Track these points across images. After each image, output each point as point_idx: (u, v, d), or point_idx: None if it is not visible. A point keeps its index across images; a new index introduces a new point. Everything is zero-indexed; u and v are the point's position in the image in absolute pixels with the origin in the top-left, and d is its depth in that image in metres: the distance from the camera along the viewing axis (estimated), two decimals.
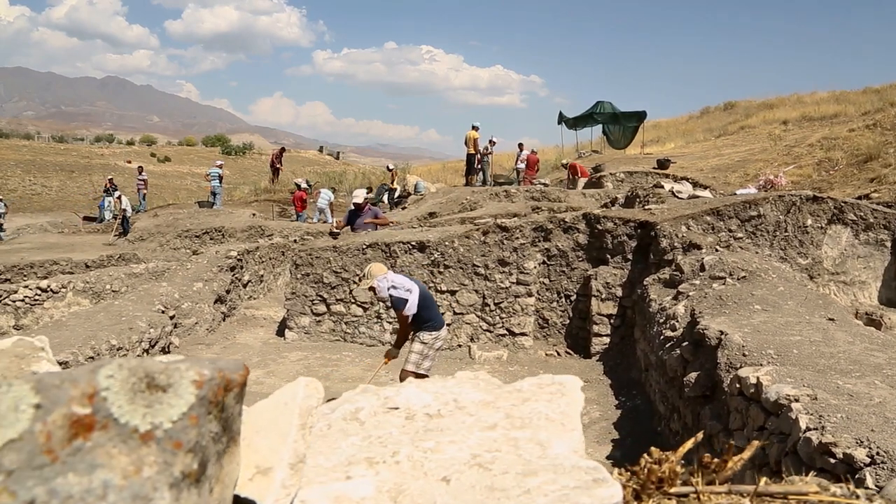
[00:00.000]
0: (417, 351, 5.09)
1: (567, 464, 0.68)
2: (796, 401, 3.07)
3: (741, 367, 3.89)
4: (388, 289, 4.87)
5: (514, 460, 0.72)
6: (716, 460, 0.83)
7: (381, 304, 7.65)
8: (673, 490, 0.77)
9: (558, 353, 7.63)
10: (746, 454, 0.87)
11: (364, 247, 7.59)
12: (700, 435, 1.04)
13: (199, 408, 0.62)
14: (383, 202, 20.01)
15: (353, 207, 8.85)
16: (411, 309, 4.92)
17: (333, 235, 9.65)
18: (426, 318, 5.06)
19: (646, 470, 0.76)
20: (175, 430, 0.60)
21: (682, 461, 0.81)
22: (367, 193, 19.58)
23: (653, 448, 0.81)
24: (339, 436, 0.88)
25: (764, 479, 0.81)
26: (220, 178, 20.37)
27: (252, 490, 0.73)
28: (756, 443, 0.92)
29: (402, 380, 4.73)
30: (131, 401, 0.59)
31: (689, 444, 0.91)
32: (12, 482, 0.52)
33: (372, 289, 4.97)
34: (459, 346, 7.55)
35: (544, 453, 0.72)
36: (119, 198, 18.65)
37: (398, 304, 4.90)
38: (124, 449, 0.57)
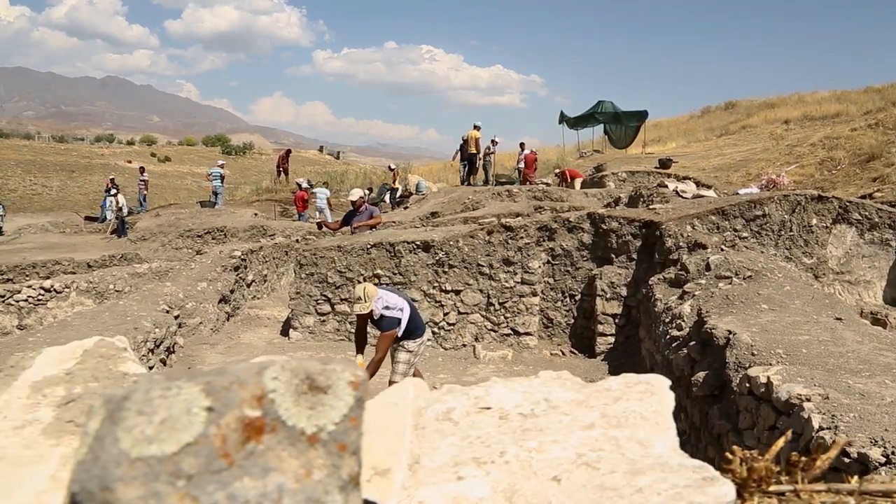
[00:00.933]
0: (404, 360, 5.03)
1: (673, 462, 0.68)
2: (808, 400, 3.06)
3: (750, 366, 3.88)
4: (382, 309, 4.73)
5: (618, 459, 0.71)
6: (804, 458, 0.82)
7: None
8: (772, 488, 0.77)
9: (563, 353, 7.63)
10: (833, 452, 0.86)
11: (368, 246, 7.59)
12: (790, 433, 1.04)
13: (357, 409, 0.62)
14: (385, 202, 20.01)
15: (351, 208, 8.81)
16: (401, 329, 4.84)
17: (320, 226, 9.64)
18: (411, 329, 4.97)
19: (745, 468, 0.75)
20: (338, 432, 0.60)
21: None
22: (370, 194, 19.63)
23: (735, 447, 0.81)
24: (436, 436, 0.87)
25: (855, 478, 0.80)
26: (222, 177, 20.41)
27: (372, 491, 0.73)
28: (841, 441, 0.92)
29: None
30: (296, 403, 0.59)
31: (780, 443, 0.91)
32: (194, 487, 0.51)
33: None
34: (464, 345, 7.54)
35: (647, 452, 0.72)
36: (115, 196, 18.75)
37: (391, 325, 4.79)
38: (293, 452, 0.57)
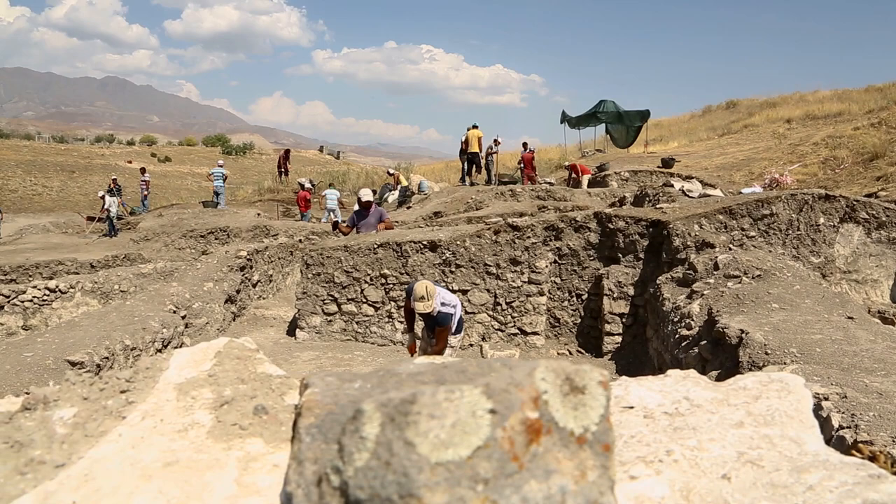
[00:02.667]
0: (447, 355, 5.10)
1: (833, 459, 0.68)
2: (826, 399, 3.05)
3: (764, 365, 3.88)
4: (440, 306, 4.83)
5: (778, 457, 0.71)
6: None
7: (390, 303, 7.65)
8: None
9: (570, 353, 7.63)
10: None
11: (375, 246, 7.58)
12: None
13: (607, 410, 0.61)
14: (387, 202, 19.99)
15: (357, 207, 8.78)
16: (453, 324, 4.99)
17: (335, 226, 9.61)
18: (457, 326, 5.13)
19: (888, 462, 0.75)
20: (600, 432, 0.59)
21: None
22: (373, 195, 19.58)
23: (860, 444, 0.81)
24: None
25: None
26: (224, 177, 20.46)
27: None
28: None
29: None
30: (563, 403, 0.58)
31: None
32: (492, 491, 0.51)
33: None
34: (471, 345, 7.54)
35: (803, 450, 0.71)
36: (103, 197, 18.90)
37: (447, 320, 4.92)
38: (567, 453, 0.57)
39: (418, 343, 5.48)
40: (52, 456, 0.76)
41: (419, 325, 5.53)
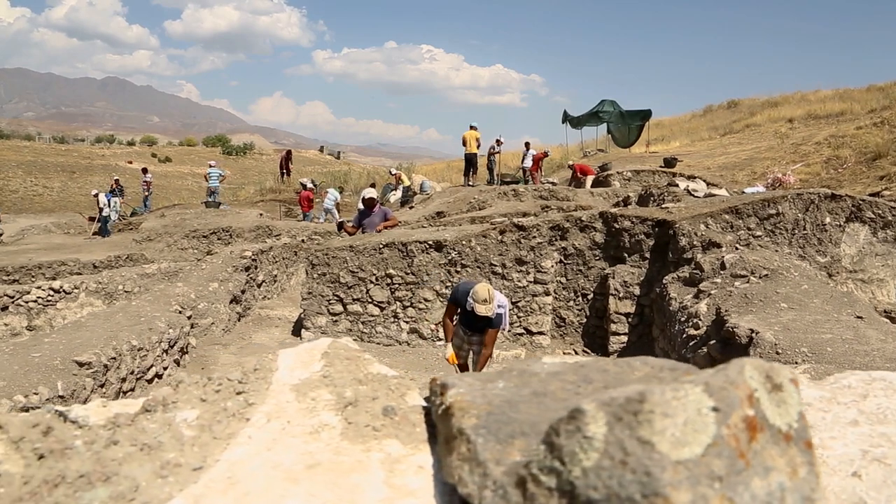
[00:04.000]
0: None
1: None
2: None
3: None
4: (497, 308, 4.86)
5: None
6: None
7: (396, 303, 7.64)
8: None
9: (575, 352, 7.62)
10: None
11: (381, 246, 7.57)
12: None
13: (802, 406, 0.62)
14: (389, 202, 19.99)
15: (362, 207, 8.76)
16: (504, 325, 5.09)
17: (340, 226, 9.61)
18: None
19: None
20: (800, 429, 0.60)
21: None
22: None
23: None
24: None
25: None
26: (222, 177, 20.75)
27: None
28: None
29: None
30: (770, 401, 0.59)
31: None
32: (727, 489, 0.52)
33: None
34: None
35: None
36: (97, 195, 19.04)
37: (500, 321, 4.99)
38: (778, 450, 0.57)
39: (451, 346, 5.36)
40: (185, 459, 0.75)
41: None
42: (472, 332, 5.18)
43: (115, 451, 0.74)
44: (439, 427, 0.81)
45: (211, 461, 0.75)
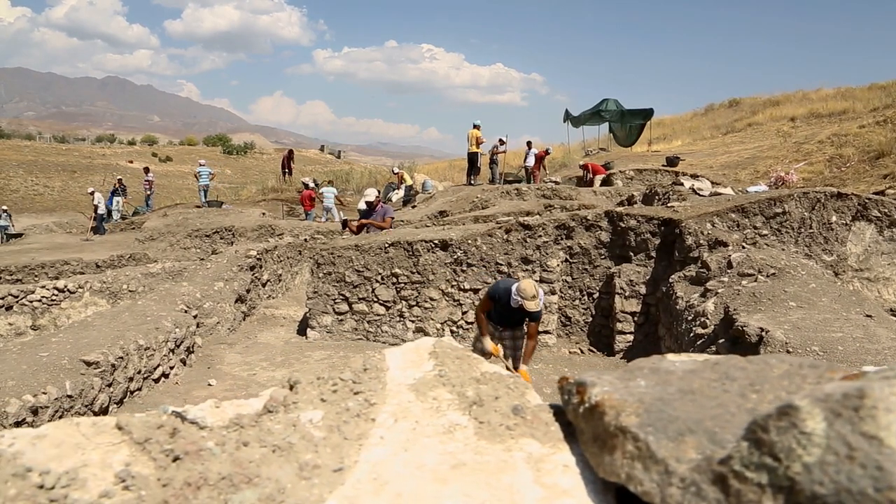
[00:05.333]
0: (514, 346, 5.45)
1: None
2: None
3: None
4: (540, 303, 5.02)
5: None
6: None
7: (401, 303, 7.63)
8: None
9: (581, 351, 7.62)
10: None
11: (386, 245, 7.56)
12: None
13: None
14: (391, 201, 19.97)
15: (364, 207, 8.78)
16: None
17: (344, 224, 9.61)
18: None
19: None
20: None
21: None
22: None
23: None
24: None
25: None
26: (211, 175, 21.27)
27: None
28: None
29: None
30: None
31: None
32: None
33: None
34: None
35: None
36: (92, 193, 19.26)
37: (540, 315, 5.16)
38: None
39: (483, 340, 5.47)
40: (322, 460, 0.74)
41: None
42: (504, 328, 5.35)
43: (248, 452, 0.73)
44: (581, 426, 0.80)
45: (349, 462, 0.74)
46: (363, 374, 0.95)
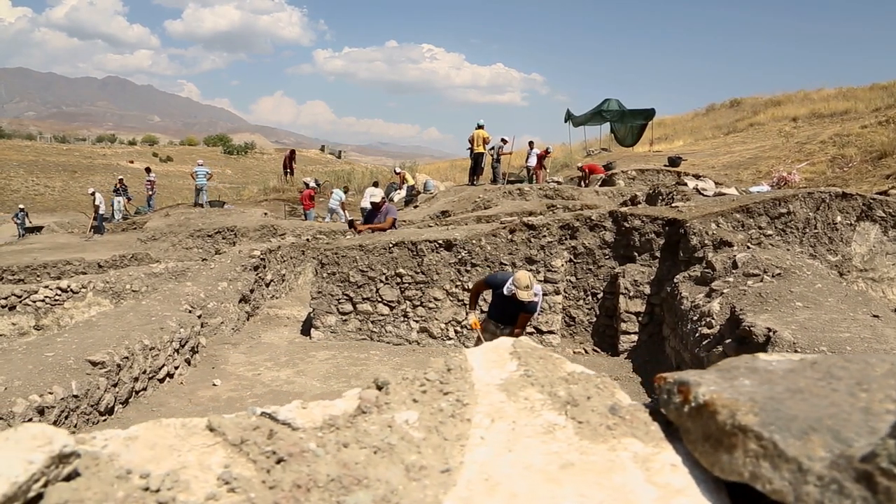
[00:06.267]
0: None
1: None
2: None
3: None
4: (534, 296, 5.14)
5: None
6: None
7: (406, 303, 7.63)
8: None
9: (586, 351, 7.61)
10: None
11: (390, 245, 7.56)
12: None
13: None
14: (392, 201, 19.97)
15: (370, 207, 8.79)
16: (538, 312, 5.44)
17: (350, 224, 9.61)
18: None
19: None
20: None
21: None
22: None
23: None
24: None
25: None
26: (209, 175, 21.54)
27: None
28: None
29: None
30: None
31: None
32: None
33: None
34: None
35: None
36: (93, 194, 19.42)
37: (535, 308, 5.29)
38: None
39: (478, 316, 5.77)
40: (427, 461, 0.73)
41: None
42: (504, 324, 5.44)
43: (350, 453, 0.72)
44: (687, 425, 0.80)
45: (454, 463, 0.74)
46: (448, 374, 0.94)
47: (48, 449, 0.66)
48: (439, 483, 0.71)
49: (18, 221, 22.87)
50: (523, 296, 5.02)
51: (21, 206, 24.02)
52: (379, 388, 0.88)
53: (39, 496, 0.64)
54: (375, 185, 20.59)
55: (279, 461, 0.70)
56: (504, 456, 0.77)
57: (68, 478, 0.64)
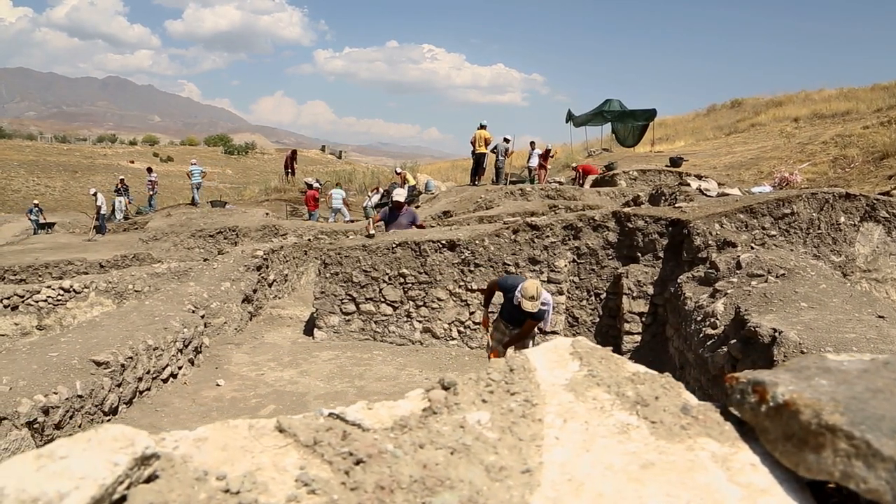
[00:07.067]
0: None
1: None
2: None
3: None
4: (542, 305, 5.14)
5: None
6: None
7: (409, 303, 7.62)
8: None
9: None
10: None
11: (394, 245, 7.55)
12: None
13: None
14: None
15: (391, 205, 8.73)
16: (546, 322, 5.42)
17: (370, 237, 9.56)
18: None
19: None
20: None
21: None
22: (381, 197, 19.61)
23: None
24: None
25: None
26: (203, 174, 22.08)
27: None
28: None
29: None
30: None
31: None
32: None
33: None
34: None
35: None
36: (95, 194, 19.54)
37: (541, 316, 5.29)
38: None
39: (491, 320, 5.86)
40: (505, 461, 0.73)
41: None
42: (514, 326, 5.50)
43: (427, 454, 0.72)
44: (766, 424, 0.80)
45: (533, 463, 0.74)
46: (511, 374, 0.94)
47: (131, 451, 0.66)
48: (522, 483, 0.70)
49: (33, 218, 22.90)
50: (528, 306, 5.03)
51: (36, 201, 24.03)
52: (445, 389, 0.87)
53: (122, 498, 0.64)
54: (400, 185, 20.54)
55: (358, 462, 0.69)
56: (582, 456, 0.77)
57: (148, 479, 0.64)
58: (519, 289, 5.12)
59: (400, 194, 8.61)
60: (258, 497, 0.63)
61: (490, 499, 0.68)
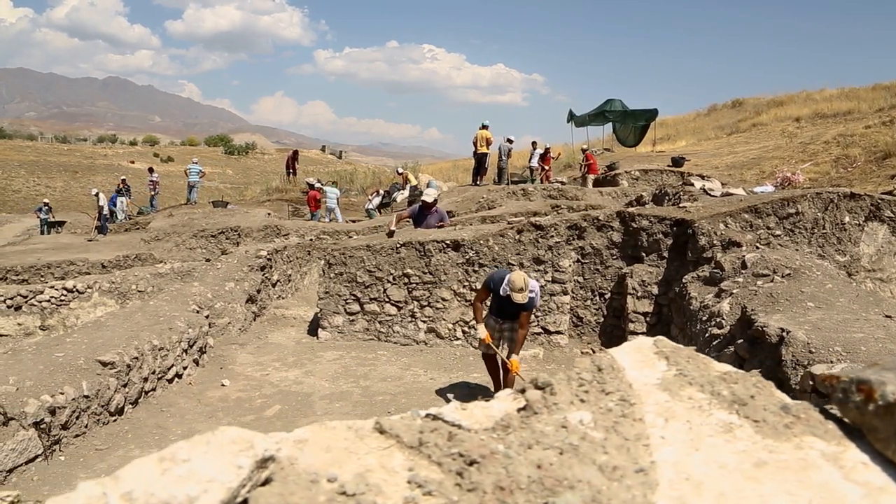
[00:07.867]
0: (511, 339, 5.55)
1: None
2: None
3: (809, 364, 3.85)
4: (530, 293, 5.14)
5: None
6: None
7: (413, 303, 7.62)
8: None
9: (593, 352, 7.59)
10: None
11: (398, 245, 7.55)
12: None
13: None
14: (396, 201, 19.96)
15: (420, 205, 8.71)
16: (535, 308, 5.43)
17: (390, 235, 9.53)
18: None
19: None
20: None
21: None
22: (382, 197, 19.60)
23: None
24: None
25: None
26: (201, 173, 21.91)
27: None
28: None
29: (512, 369, 5.30)
30: None
31: None
32: None
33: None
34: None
35: None
36: (97, 194, 19.57)
37: (532, 304, 5.28)
38: None
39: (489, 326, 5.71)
40: (616, 461, 0.73)
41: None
42: (503, 319, 5.49)
43: (538, 454, 0.71)
44: (874, 423, 0.80)
45: (644, 463, 0.73)
46: (600, 373, 0.93)
47: (252, 453, 0.66)
48: (640, 483, 0.70)
49: (43, 217, 22.84)
50: (518, 298, 5.06)
51: (46, 200, 23.95)
52: (540, 389, 0.87)
53: (243, 502, 0.64)
54: (402, 185, 20.50)
55: (471, 463, 0.68)
56: (693, 455, 0.76)
57: (264, 482, 0.63)
58: (506, 282, 5.14)
59: (430, 195, 8.56)
60: (375, 499, 0.62)
61: (612, 499, 0.67)
